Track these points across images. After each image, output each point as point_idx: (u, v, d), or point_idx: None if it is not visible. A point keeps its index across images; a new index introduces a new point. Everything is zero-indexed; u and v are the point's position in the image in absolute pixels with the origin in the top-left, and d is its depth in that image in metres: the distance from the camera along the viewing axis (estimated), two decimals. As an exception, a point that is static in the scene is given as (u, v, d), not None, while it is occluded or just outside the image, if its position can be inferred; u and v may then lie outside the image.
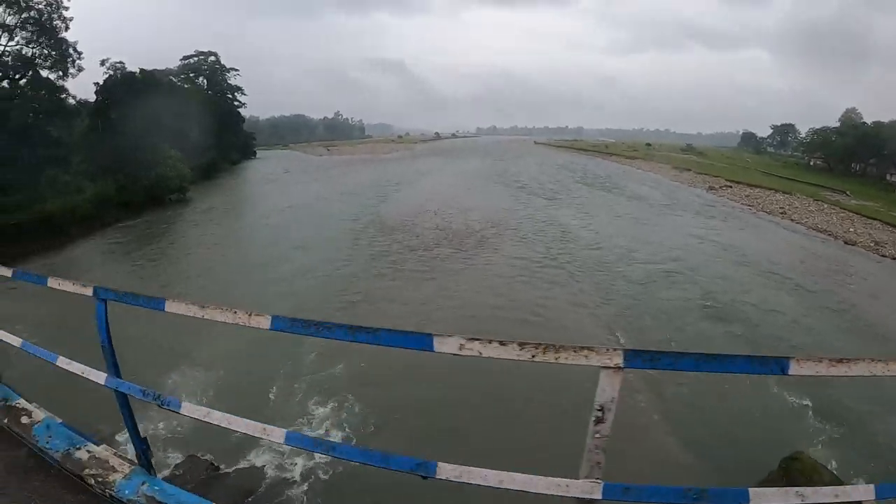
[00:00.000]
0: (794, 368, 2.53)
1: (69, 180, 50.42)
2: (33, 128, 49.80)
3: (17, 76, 52.37)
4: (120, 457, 4.28)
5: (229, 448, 14.17)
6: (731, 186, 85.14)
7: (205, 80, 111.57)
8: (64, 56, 53.74)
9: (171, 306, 3.56)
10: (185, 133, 71.63)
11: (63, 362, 4.30)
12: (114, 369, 3.96)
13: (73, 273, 33.10)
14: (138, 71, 64.80)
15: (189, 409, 3.70)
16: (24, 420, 4.82)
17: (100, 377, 4.02)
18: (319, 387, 19.06)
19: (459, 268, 34.28)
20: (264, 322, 3.15)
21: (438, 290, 29.66)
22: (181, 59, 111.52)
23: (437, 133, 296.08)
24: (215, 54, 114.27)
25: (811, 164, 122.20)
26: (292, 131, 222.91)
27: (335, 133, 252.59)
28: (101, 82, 61.34)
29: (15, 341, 4.75)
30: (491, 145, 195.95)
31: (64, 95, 55.43)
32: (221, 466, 13.73)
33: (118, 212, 52.62)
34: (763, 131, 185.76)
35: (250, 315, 3.20)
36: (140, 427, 3.99)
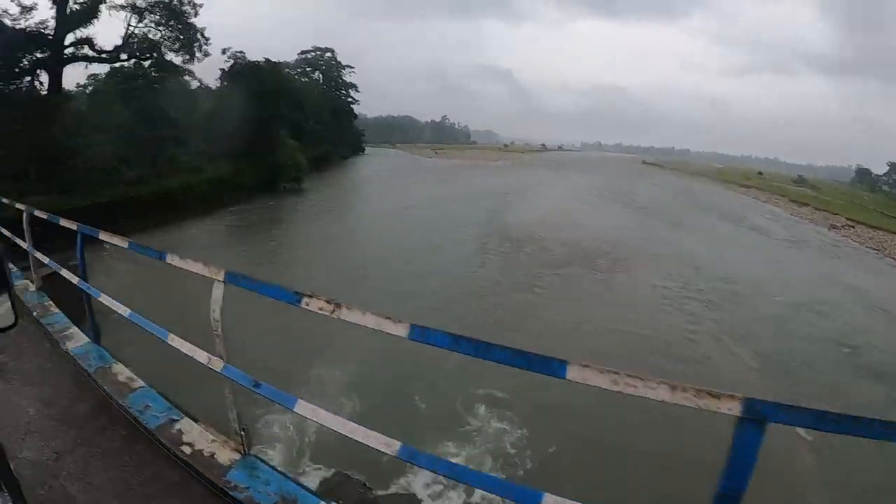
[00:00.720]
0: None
1: (188, 160, 51.54)
2: (154, 107, 50.86)
3: (142, 57, 53.92)
4: None
5: (382, 470, 12.38)
6: (852, 226, 79.50)
7: (320, 75, 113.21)
8: (191, 40, 54.98)
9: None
10: (302, 124, 72.11)
11: None
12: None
13: (194, 250, 32.60)
14: (263, 60, 65.63)
15: None
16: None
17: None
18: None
19: (598, 291, 31.79)
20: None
21: (582, 313, 27.25)
22: (298, 54, 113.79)
23: (543, 145, 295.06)
24: (332, 51, 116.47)
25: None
26: (399, 131, 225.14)
27: (441, 136, 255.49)
28: (224, 69, 63.36)
29: (341, 428, 3.45)
30: (598, 161, 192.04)
31: (188, 78, 58.15)
32: (374, 489, 12.25)
33: (234, 194, 52.91)
34: (879, 168, 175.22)
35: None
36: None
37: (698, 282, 35.81)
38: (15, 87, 45.78)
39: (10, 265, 10.41)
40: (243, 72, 60.44)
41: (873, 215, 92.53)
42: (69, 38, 48.14)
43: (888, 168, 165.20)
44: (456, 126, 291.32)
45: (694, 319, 28.46)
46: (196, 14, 54.43)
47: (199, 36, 55.14)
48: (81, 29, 48.29)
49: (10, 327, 2.55)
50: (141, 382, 5.75)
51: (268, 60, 64.74)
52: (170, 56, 54.88)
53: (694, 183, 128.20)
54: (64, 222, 7.37)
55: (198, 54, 55.82)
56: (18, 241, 9.58)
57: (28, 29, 45.20)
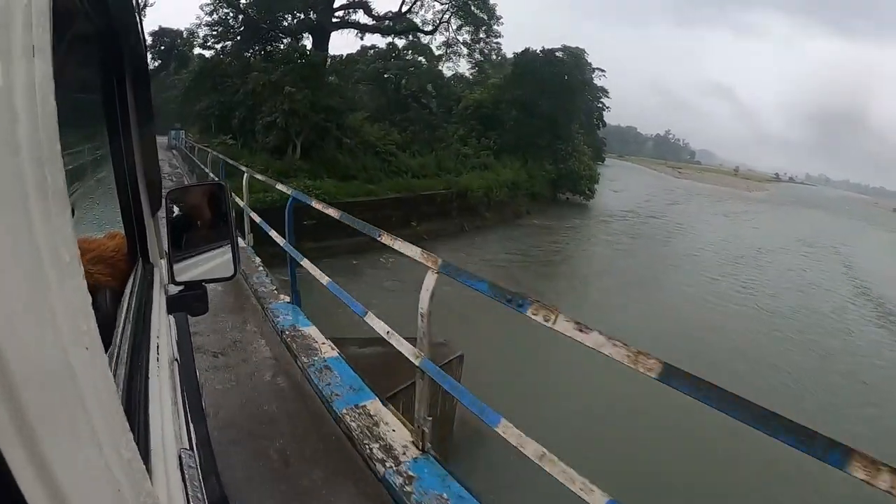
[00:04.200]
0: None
1: (470, 153, 43.33)
2: (417, 90, 45.68)
3: (423, 31, 46.75)
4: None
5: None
6: None
7: (566, 77, 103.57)
8: (482, 17, 46.29)
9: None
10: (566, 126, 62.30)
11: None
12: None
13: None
14: (561, 47, 56.46)
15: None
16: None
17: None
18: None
19: None
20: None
21: None
22: (540, 52, 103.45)
23: (776, 174, 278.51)
24: (583, 51, 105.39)
25: None
26: (620, 142, 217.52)
27: (664, 152, 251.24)
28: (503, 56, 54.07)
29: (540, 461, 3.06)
30: (847, 203, 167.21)
31: (477, 58, 49.79)
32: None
33: (525, 203, 43.82)
34: None
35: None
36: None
37: None
38: (273, 48, 40.33)
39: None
40: (536, 60, 50.77)
41: None
42: (340, 1, 41.81)
43: None
44: (681, 143, 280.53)
45: None
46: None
47: (493, 12, 46.51)
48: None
49: (230, 278, 2.39)
50: (332, 352, 5.86)
51: (566, 49, 54.45)
52: (449, 33, 47.14)
53: None
54: (280, 186, 8.41)
55: (486, 35, 47.58)
56: (238, 200, 10.15)
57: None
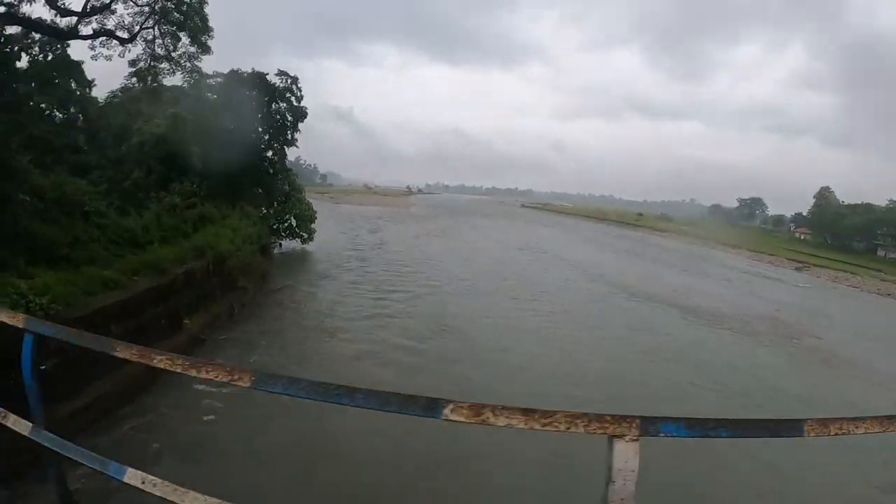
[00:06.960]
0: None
1: (177, 203, 32.98)
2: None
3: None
4: None
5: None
6: (807, 266, 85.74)
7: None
8: (194, 29, 33.64)
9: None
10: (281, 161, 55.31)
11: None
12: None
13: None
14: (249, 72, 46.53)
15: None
16: None
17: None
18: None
19: None
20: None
21: None
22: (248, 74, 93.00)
23: (408, 187, 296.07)
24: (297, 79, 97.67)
25: (800, 238, 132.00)
26: None
27: (298, 178, 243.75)
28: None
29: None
30: (479, 205, 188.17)
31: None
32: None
33: (260, 259, 36.12)
34: (706, 201, 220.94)
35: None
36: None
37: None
38: None
39: None
40: (245, 84, 43.09)
41: (779, 250, 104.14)
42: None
43: (739, 203, 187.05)
44: (311, 167, 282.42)
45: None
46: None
47: (206, 21, 34.40)
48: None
49: None
50: None
51: (282, 73, 46.81)
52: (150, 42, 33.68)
53: (609, 228, 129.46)
54: None
55: (198, 49, 34.85)
56: None
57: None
